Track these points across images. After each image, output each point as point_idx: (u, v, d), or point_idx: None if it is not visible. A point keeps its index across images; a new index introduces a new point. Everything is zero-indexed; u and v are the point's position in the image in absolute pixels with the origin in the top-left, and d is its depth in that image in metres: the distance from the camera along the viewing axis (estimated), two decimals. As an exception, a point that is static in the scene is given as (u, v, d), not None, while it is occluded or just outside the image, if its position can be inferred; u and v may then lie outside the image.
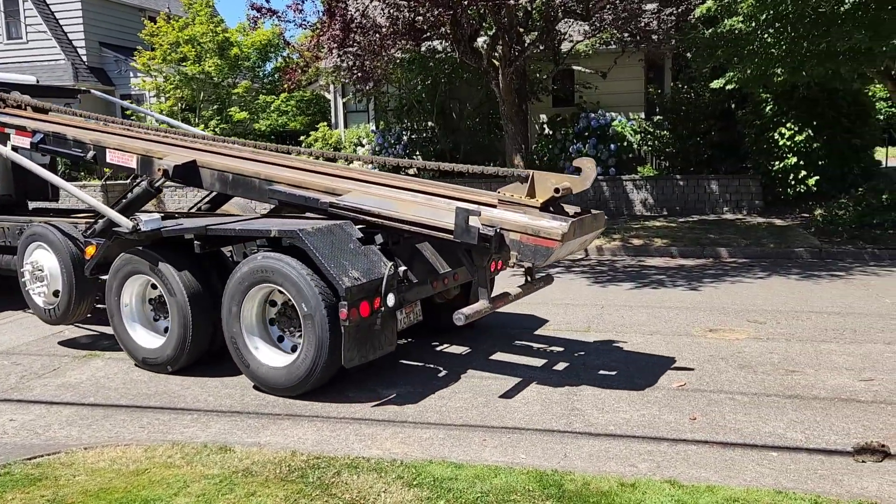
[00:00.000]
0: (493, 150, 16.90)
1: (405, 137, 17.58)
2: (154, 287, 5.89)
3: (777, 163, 14.02)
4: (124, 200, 6.43)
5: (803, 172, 13.80)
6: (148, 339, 5.99)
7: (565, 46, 15.04)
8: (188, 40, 20.02)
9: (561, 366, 5.96)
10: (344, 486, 3.86)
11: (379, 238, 5.40)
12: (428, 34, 14.13)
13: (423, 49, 15.40)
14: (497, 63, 14.13)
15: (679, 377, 5.59)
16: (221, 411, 5.10)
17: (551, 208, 5.06)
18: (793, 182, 13.90)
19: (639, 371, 5.75)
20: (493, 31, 13.80)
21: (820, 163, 13.52)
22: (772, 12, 9.97)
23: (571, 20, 14.40)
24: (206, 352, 5.83)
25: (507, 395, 5.28)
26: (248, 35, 21.29)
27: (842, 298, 8.12)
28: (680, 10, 13.68)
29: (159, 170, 6.14)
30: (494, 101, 15.50)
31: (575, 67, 16.68)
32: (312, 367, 5.04)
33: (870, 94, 15.29)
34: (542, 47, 14.39)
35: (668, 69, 17.31)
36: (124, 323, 6.02)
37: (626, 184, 15.15)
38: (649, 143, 16.12)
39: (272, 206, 7.16)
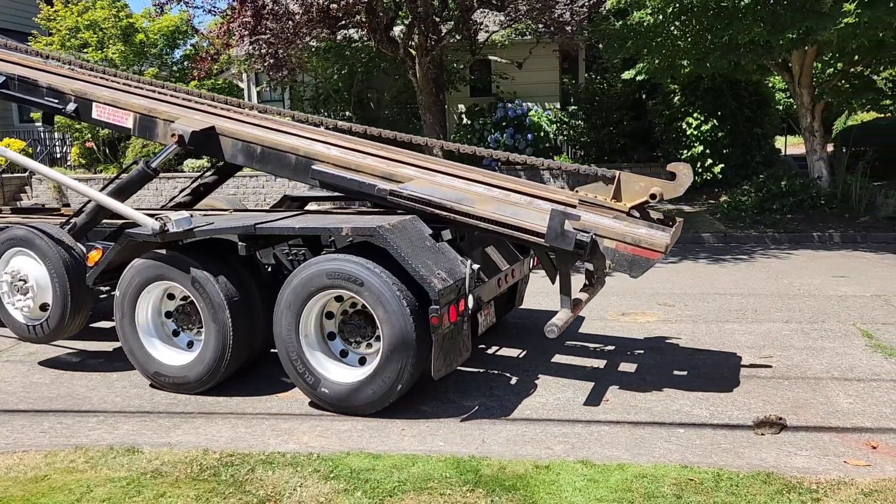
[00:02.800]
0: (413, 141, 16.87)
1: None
2: (171, 297, 5.23)
3: (685, 151, 14.56)
4: (113, 186, 5.72)
5: (709, 160, 14.38)
6: (171, 356, 5.19)
7: (482, 37, 15.15)
8: (89, 25, 19.04)
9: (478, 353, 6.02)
10: (258, 482, 3.78)
11: (447, 234, 4.92)
12: (343, 22, 13.95)
13: (338, 37, 15.20)
14: (414, 52, 14.09)
15: (593, 361, 5.73)
16: (130, 412, 4.90)
17: (636, 213, 4.76)
18: (700, 170, 14.47)
19: (562, 358, 5.86)
20: (409, 19, 13.75)
21: (725, 151, 14.12)
22: (677, 6, 10.32)
23: (487, 10, 14.50)
24: (239, 368, 5.20)
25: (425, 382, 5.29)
26: (154, 21, 20.43)
27: (745, 280, 8.52)
28: (592, 1, 13.99)
29: (173, 135, 5.40)
30: (412, 91, 15.46)
31: (492, 58, 16.84)
32: (396, 380, 4.50)
33: (770, 84, 16.04)
34: (458, 37, 14.45)
35: (582, 60, 17.70)
36: (140, 339, 5.17)
37: (543, 173, 15.42)
38: (565, 132, 16.44)
39: (282, 198, 6.59)
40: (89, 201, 5.75)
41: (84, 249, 5.52)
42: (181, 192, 7.03)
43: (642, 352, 5.90)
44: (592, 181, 4.95)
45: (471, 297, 4.56)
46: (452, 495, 3.55)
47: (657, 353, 5.83)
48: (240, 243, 4.91)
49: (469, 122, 16.62)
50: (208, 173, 6.97)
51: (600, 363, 5.66)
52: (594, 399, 4.91)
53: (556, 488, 3.54)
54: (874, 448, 4.13)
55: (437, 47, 13.96)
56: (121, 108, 5.85)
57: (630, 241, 4.53)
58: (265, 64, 14.05)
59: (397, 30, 14.88)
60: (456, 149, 5.76)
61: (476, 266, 4.68)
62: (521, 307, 6.63)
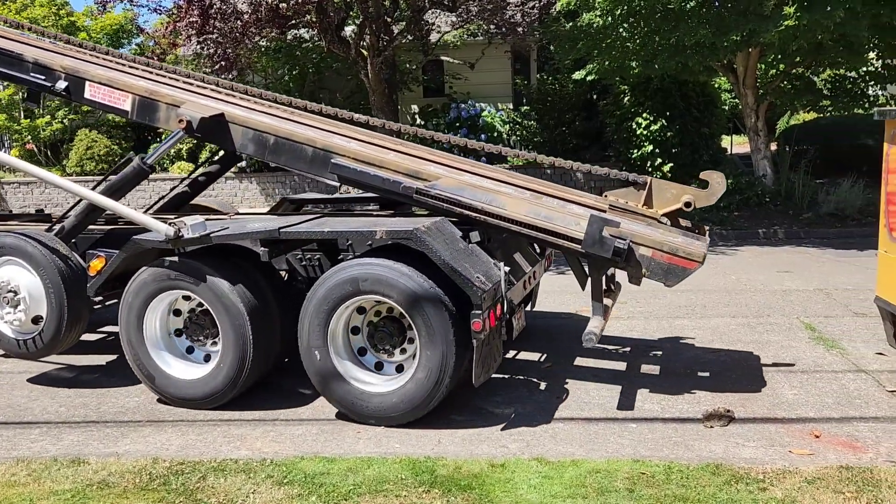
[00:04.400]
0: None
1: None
2: (177, 311, 4.96)
3: (636, 151, 14.79)
4: (104, 186, 5.39)
5: (659, 160, 14.64)
6: (184, 370, 4.91)
7: (434, 37, 15.16)
8: (27, 23, 18.45)
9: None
10: (210, 490, 3.70)
11: (475, 236, 4.73)
12: (293, 22, 13.81)
13: (288, 37, 15.04)
14: (366, 53, 14.02)
15: (547, 358, 5.78)
16: (75, 422, 4.75)
17: (666, 220, 4.72)
18: (650, 169, 14.72)
19: (508, 353, 5.89)
20: (361, 20, 13.68)
21: (674, 150, 14.38)
22: (626, 8, 10.50)
23: (439, 11, 14.52)
24: (257, 381, 4.96)
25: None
26: (97, 19, 19.91)
27: (694, 277, 8.65)
28: (542, 3, 14.12)
29: (181, 120, 5.09)
30: (365, 92, 15.39)
31: (444, 58, 16.87)
32: (434, 389, 4.32)
33: (716, 85, 16.42)
34: (410, 37, 14.44)
35: (534, 61, 17.87)
36: (150, 352, 4.88)
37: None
38: (518, 133, 16.57)
39: (280, 200, 6.28)
40: (73, 205, 5.45)
41: (79, 257, 5.23)
42: (181, 181, 6.69)
43: (596, 348, 5.97)
44: (622, 186, 4.90)
45: (506, 301, 4.46)
46: (408, 497, 3.53)
47: (610, 350, 5.91)
48: (261, 249, 4.68)
49: (423, 123, 16.62)
50: (198, 169, 6.62)
51: (554, 360, 5.71)
52: (549, 396, 4.95)
53: (511, 486, 3.55)
54: (817, 437, 4.26)
55: (390, 48, 13.93)
56: (118, 89, 5.48)
57: (667, 250, 4.47)
58: (214, 65, 13.82)
59: (348, 30, 14.79)
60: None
61: (507, 268, 4.59)
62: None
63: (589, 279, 4.80)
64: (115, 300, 5.45)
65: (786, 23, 8.96)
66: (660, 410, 4.72)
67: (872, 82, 11.61)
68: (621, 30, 11.01)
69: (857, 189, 11.65)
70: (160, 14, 14.31)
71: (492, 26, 14.95)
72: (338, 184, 6.00)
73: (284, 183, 15.83)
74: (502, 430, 4.35)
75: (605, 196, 4.91)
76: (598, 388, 5.10)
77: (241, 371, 4.68)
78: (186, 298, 4.92)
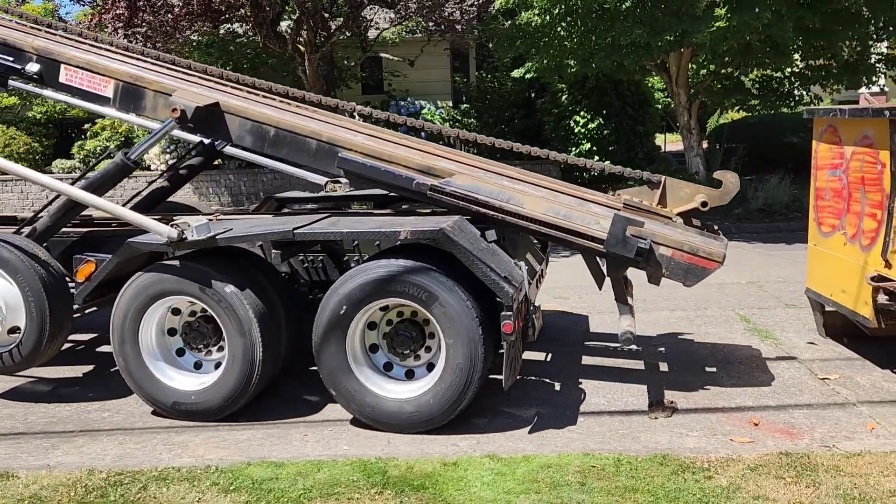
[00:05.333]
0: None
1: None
2: (176, 312, 4.68)
3: (574, 148, 15.01)
4: (84, 183, 5.02)
5: (596, 157, 14.90)
6: (185, 381, 4.63)
7: (372, 34, 15.03)
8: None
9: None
10: (152, 500, 3.56)
11: (491, 234, 4.60)
12: (227, 16, 13.47)
13: (221, 32, 14.66)
14: (303, 49, 13.80)
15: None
16: (1, 434, 4.50)
17: (681, 220, 4.70)
18: (588, 167, 14.97)
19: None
20: (297, 15, 13.45)
21: (610, 148, 14.66)
22: (563, 7, 10.62)
23: (377, 7, 14.41)
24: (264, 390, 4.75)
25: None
26: (13, 12, 18.93)
27: (633, 271, 8.84)
28: (481, 1, 14.17)
29: (174, 109, 4.77)
30: (302, 88, 15.13)
31: (383, 55, 16.74)
32: (461, 393, 4.18)
33: (649, 84, 16.81)
34: (348, 34, 14.27)
35: (473, 58, 17.92)
36: (146, 363, 4.59)
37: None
38: (464, 140, 16.58)
39: (265, 199, 5.95)
40: (45, 205, 5.09)
41: (57, 262, 4.88)
42: (160, 175, 6.31)
43: (541, 344, 6.01)
44: (640, 186, 4.87)
45: (530, 301, 4.39)
46: (361, 499, 3.48)
47: (555, 345, 5.96)
48: (273, 251, 4.47)
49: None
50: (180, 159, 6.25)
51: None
52: (495, 393, 4.95)
53: (464, 484, 3.54)
54: (756, 425, 4.40)
55: (327, 44, 13.74)
56: (98, 74, 5.09)
57: (688, 250, 4.44)
58: (143, 59, 13.34)
59: (284, 25, 14.52)
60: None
61: (526, 267, 4.52)
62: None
63: (608, 279, 4.77)
64: (95, 308, 5.21)
65: (717, 24, 9.24)
66: (606, 404, 4.79)
67: (798, 82, 12.09)
68: (559, 29, 11.13)
69: (785, 185, 12.11)
70: (84, 5, 13.70)
71: (430, 23, 14.91)
72: (324, 181, 5.79)
73: (219, 182, 15.42)
74: (453, 428, 4.33)
75: (619, 195, 4.88)
76: (545, 383, 5.14)
77: (251, 379, 4.44)
78: (175, 312, 4.68)
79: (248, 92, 5.35)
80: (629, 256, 4.40)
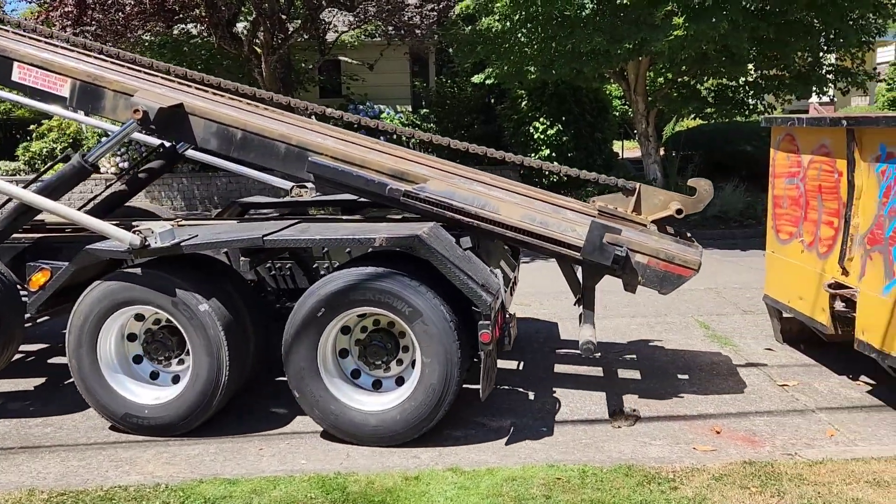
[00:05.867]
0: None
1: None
2: (139, 318, 4.48)
3: (533, 154, 15.04)
4: (40, 184, 4.75)
5: (556, 164, 14.97)
6: (140, 392, 4.43)
7: (331, 36, 14.85)
8: None
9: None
10: (96, 522, 3.37)
11: (466, 241, 4.52)
12: (181, 15, 13.15)
13: (175, 32, 14.32)
14: (259, 51, 13.55)
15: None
16: (-67, 452, 4.24)
17: (655, 227, 4.68)
18: (547, 172, 15.03)
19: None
20: (254, 16, 13.21)
21: (569, 154, 14.72)
22: (524, 13, 10.62)
23: (336, 10, 14.24)
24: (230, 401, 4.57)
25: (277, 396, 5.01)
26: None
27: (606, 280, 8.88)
28: (441, 6, 14.12)
29: (136, 110, 4.55)
30: (259, 91, 14.88)
31: (342, 58, 16.56)
32: (430, 413, 4.11)
33: (607, 92, 16.96)
34: (306, 36, 14.07)
35: (433, 63, 17.85)
36: (101, 369, 4.37)
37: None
38: (421, 140, 16.48)
39: (229, 204, 5.74)
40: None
41: (8, 270, 4.62)
42: (118, 178, 6.03)
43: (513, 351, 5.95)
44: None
45: (506, 310, 4.30)
46: (318, 517, 3.34)
47: (517, 353, 5.89)
48: (241, 258, 4.35)
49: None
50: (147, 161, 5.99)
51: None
52: (458, 401, 4.86)
53: (427, 499, 3.43)
54: (718, 433, 4.39)
55: (285, 46, 13.51)
56: (54, 73, 4.87)
57: (664, 258, 4.41)
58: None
59: (240, 26, 14.25)
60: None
61: (501, 275, 4.43)
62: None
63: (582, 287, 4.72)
64: (47, 318, 4.99)
65: (675, 33, 9.33)
66: (569, 413, 4.73)
67: (751, 92, 12.31)
68: (519, 35, 11.13)
69: (739, 193, 12.31)
70: (30, 2, 13.23)
71: (390, 28, 14.80)
72: (288, 185, 5.60)
73: (172, 186, 15.02)
74: (413, 439, 4.21)
75: (593, 201, 4.85)
76: (508, 392, 5.07)
77: (212, 400, 4.29)
78: (139, 318, 4.49)
79: (213, 93, 5.17)
80: (606, 264, 4.36)
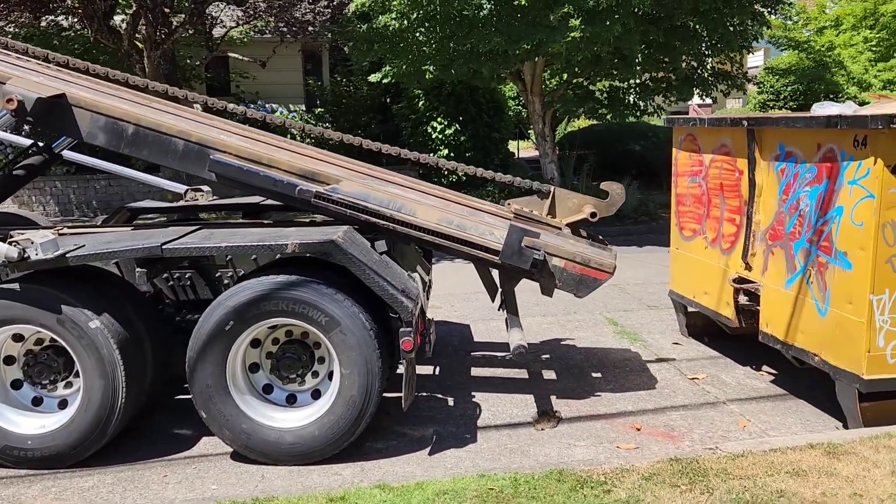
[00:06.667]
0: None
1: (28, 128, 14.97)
2: (18, 338, 4.03)
3: (432, 154, 15.00)
4: None
5: (453, 162, 14.98)
6: (21, 421, 3.99)
7: (219, 32, 14.19)
8: None
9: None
10: (-24, 577, 2.94)
11: (382, 245, 4.35)
12: (51, 6, 12.16)
13: (43, 24, 13.24)
14: (141, 45, 12.74)
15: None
16: None
17: (569, 230, 4.64)
18: (446, 172, 15.00)
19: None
20: (134, 8, 12.40)
21: (467, 154, 14.77)
22: (421, 12, 10.50)
23: (224, 4, 13.61)
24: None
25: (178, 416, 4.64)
26: None
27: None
28: (335, 2, 13.78)
29: (9, 100, 4.06)
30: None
31: (231, 55, 15.88)
32: (351, 427, 3.92)
33: (502, 92, 17.16)
34: (192, 31, 13.38)
35: (327, 62, 17.45)
36: None
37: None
38: (312, 135, 16.05)
39: (117, 209, 5.23)
40: None
41: None
42: None
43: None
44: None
45: (426, 316, 4.19)
46: (238, 550, 3.06)
47: (433, 357, 5.72)
48: (138, 269, 4.07)
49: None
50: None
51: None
52: (380, 413, 4.67)
53: (356, 522, 3.22)
54: (638, 430, 4.42)
55: (169, 41, 12.77)
56: None
57: (580, 261, 4.42)
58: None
59: (119, 18, 13.35)
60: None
61: (419, 279, 4.31)
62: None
63: (500, 291, 4.70)
64: None
65: (572, 34, 9.49)
66: (491, 417, 4.64)
67: (642, 93, 12.76)
68: (418, 34, 11.01)
69: (632, 190, 12.72)
70: None
71: (281, 24, 14.31)
72: (182, 188, 5.20)
73: (44, 190, 13.87)
74: (333, 455, 3.99)
75: (509, 204, 4.79)
76: (427, 398, 4.92)
77: (108, 425, 3.94)
78: (17, 339, 4.04)
79: (99, 84, 4.71)
80: (524, 268, 4.34)
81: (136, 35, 12.70)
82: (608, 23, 9.55)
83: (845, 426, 4.30)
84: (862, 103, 5.30)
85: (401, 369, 3.99)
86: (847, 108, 4.36)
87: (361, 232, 4.29)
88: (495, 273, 4.83)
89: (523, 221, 4.58)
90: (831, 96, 17.81)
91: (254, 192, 4.62)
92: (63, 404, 4.10)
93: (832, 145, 4.22)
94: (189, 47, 14.56)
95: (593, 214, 4.72)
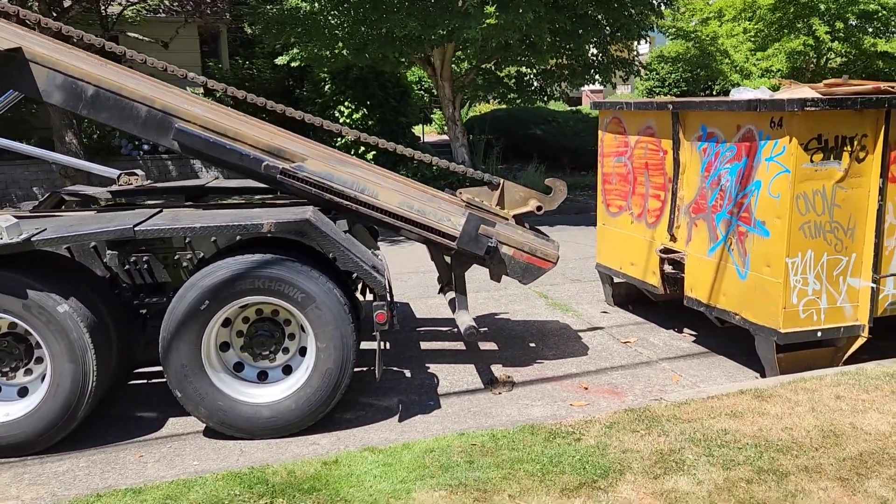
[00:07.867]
0: (29, 128, 14.37)
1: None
2: None
3: (339, 139, 14.97)
4: None
5: (362, 148, 15.02)
6: None
7: (116, 10, 13.55)
8: None
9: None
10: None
11: (343, 224, 4.49)
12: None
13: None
14: (30, 24, 11.96)
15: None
16: None
17: (514, 221, 4.86)
18: (354, 156, 15.03)
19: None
20: (23, -17, 11.65)
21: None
22: (333, -6, 10.54)
23: (118, -19, 13.02)
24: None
25: (142, 400, 4.62)
26: None
27: (425, 257, 9.12)
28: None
29: None
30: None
31: (131, 34, 15.16)
32: (327, 398, 4.07)
33: (407, 76, 17.33)
34: (86, 3, 12.72)
35: (226, 43, 16.97)
36: None
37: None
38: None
39: (50, 194, 5.02)
40: None
41: None
42: None
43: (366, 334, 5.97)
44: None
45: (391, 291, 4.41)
46: (247, 514, 3.18)
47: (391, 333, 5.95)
48: (109, 252, 4.02)
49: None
50: None
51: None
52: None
53: (356, 480, 3.40)
54: (586, 389, 4.82)
55: (62, 20, 12.07)
56: None
57: (527, 251, 4.67)
58: None
59: (4, -6, 12.46)
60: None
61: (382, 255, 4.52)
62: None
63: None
64: None
65: (487, 21, 9.82)
66: (449, 386, 4.90)
67: (546, 79, 13.33)
68: (330, 17, 11.01)
69: (540, 172, 13.31)
70: None
71: (174, 3, 13.83)
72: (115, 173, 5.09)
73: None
74: (307, 427, 4.13)
75: (460, 193, 4.97)
76: (385, 372, 5.11)
77: (76, 411, 3.91)
78: None
79: (55, 42, 4.58)
80: (478, 254, 4.60)
81: (26, 15, 11.91)
82: (521, 10, 9.95)
83: (762, 375, 4.88)
84: (774, 88, 5.91)
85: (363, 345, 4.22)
86: (762, 94, 4.90)
87: (324, 212, 4.42)
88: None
89: (475, 210, 4.85)
90: (710, 83, 19.21)
91: (217, 165, 4.65)
92: (23, 392, 4.01)
93: (751, 126, 4.75)
94: (86, 27, 13.77)
95: (539, 208, 5.07)
